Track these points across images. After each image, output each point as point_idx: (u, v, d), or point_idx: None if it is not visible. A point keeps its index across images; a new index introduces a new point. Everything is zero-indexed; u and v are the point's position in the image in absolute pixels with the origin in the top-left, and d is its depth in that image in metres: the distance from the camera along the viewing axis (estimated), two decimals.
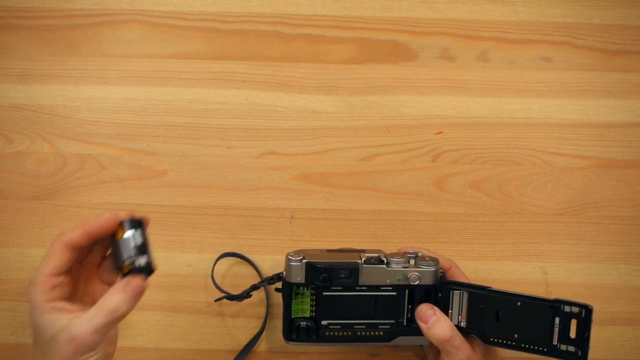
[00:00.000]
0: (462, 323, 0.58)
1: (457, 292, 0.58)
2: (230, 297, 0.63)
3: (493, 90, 0.68)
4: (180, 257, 0.67)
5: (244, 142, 0.67)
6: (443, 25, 0.68)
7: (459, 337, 0.56)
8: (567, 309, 0.55)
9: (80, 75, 0.67)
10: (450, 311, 0.58)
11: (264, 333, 0.66)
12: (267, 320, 0.66)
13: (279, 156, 0.67)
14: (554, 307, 0.55)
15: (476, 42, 0.68)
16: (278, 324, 0.65)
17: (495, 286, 0.67)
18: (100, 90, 0.67)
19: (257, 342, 0.65)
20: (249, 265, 0.66)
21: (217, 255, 0.66)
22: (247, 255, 0.66)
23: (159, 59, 0.68)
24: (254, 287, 0.63)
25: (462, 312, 0.58)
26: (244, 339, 0.66)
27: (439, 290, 0.58)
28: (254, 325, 0.66)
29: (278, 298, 0.66)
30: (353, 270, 0.57)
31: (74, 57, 0.67)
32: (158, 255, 0.66)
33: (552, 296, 0.66)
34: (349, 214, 0.67)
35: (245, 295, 0.63)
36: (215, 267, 0.66)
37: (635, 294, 0.67)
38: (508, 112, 0.68)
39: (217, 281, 0.65)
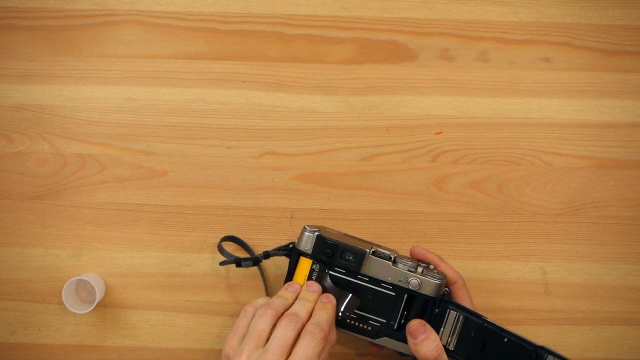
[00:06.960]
0: (450, 345, 0.57)
1: (454, 313, 0.57)
2: (238, 260, 0.62)
3: (493, 90, 0.68)
4: (180, 257, 0.67)
5: (244, 142, 0.67)
6: (443, 25, 0.68)
7: None
8: (549, 359, 0.54)
9: (80, 75, 0.67)
10: (442, 329, 0.57)
11: None
12: None
13: (279, 156, 0.67)
14: (537, 354, 0.54)
15: (476, 42, 0.68)
16: None
17: (495, 286, 0.67)
18: (100, 90, 0.67)
19: None
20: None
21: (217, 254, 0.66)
22: (245, 254, 0.66)
23: (159, 59, 0.68)
24: (267, 254, 0.61)
25: (453, 334, 0.57)
26: None
27: (438, 306, 0.57)
28: None
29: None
30: (358, 255, 0.57)
31: (74, 57, 0.67)
32: (158, 255, 0.67)
33: (550, 296, 0.67)
34: (349, 214, 0.67)
35: (253, 259, 0.61)
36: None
37: (634, 294, 0.67)
38: (508, 112, 0.68)
39: (215, 268, 0.64)
